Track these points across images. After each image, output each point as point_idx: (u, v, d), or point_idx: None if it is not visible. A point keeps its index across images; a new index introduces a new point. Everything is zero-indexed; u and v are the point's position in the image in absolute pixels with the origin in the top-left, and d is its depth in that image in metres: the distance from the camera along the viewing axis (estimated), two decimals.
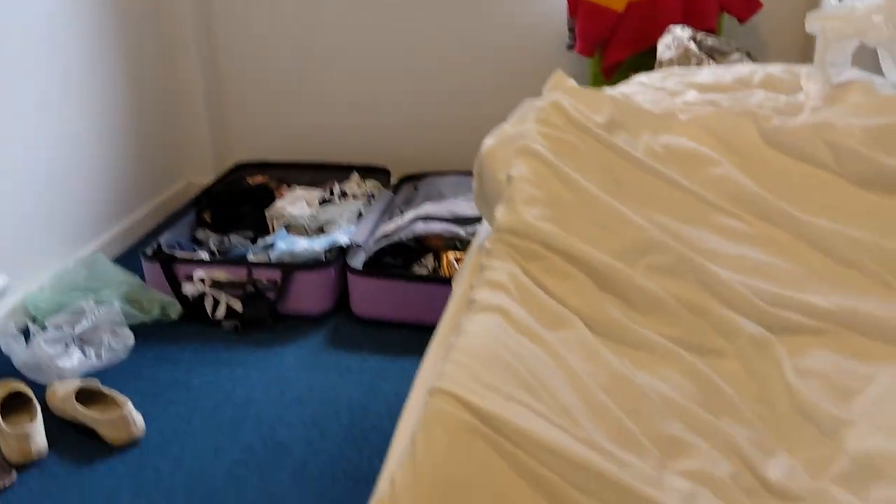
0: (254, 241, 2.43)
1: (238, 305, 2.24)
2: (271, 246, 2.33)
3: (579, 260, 1.12)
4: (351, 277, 2.24)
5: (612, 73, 2.41)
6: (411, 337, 2.22)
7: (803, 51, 2.55)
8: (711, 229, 1.19)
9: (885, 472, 0.85)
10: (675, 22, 2.30)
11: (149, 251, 2.30)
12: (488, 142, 1.43)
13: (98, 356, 2.08)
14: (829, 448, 0.91)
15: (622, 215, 1.18)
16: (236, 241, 2.42)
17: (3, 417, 1.85)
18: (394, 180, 2.77)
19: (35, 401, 1.90)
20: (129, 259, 2.56)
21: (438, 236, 2.27)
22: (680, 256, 1.12)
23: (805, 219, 1.17)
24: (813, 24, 1.57)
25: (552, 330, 1.03)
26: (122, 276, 2.30)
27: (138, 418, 1.86)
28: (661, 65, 2.15)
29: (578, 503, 0.81)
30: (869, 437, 0.88)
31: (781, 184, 1.24)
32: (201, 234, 2.48)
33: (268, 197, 2.58)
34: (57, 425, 1.88)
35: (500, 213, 1.20)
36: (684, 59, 2.19)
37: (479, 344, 0.97)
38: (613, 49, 2.38)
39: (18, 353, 2.03)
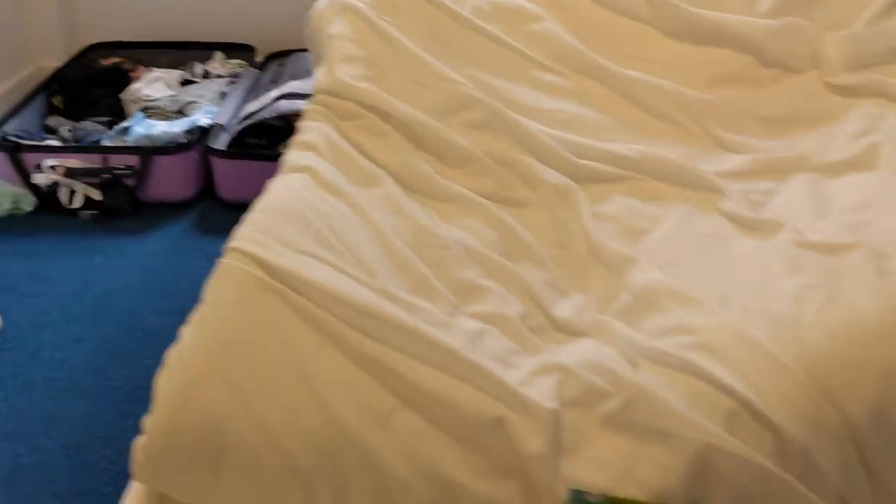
0: (109, 126, 2.31)
1: (96, 194, 2.15)
2: (127, 130, 2.22)
3: (394, 118, 1.11)
4: (214, 160, 2.17)
5: None
6: None
7: None
8: (530, 84, 1.20)
9: (659, 303, 0.91)
10: None
11: None
12: (319, 4, 1.37)
13: None
14: (615, 285, 0.96)
15: (441, 73, 1.16)
16: (91, 126, 2.30)
17: None
18: (259, 58, 2.65)
19: None
20: None
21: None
22: (494, 112, 1.13)
23: (619, 71, 1.19)
24: None
25: (362, 187, 1.03)
26: None
27: None
28: None
29: (366, 347, 0.83)
30: (648, 273, 0.94)
31: (601, 38, 1.25)
32: (52, 120, 2.34)
33: (123, 79, 2.43)
34: None
35: (318, 74, 1.17)
36: None
37: (280, 202, 0.97)
38: None
39: None
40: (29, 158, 2.12)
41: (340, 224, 0.95)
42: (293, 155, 1.06)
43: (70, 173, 2.13)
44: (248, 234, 0.91)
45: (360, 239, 0.94)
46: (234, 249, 0.90)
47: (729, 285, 0.90)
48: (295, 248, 0.90)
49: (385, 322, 0.85)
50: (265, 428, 0.81)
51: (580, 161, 1.09)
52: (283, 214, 0.94)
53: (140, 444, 0.82)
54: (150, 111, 2.33)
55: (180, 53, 2.61)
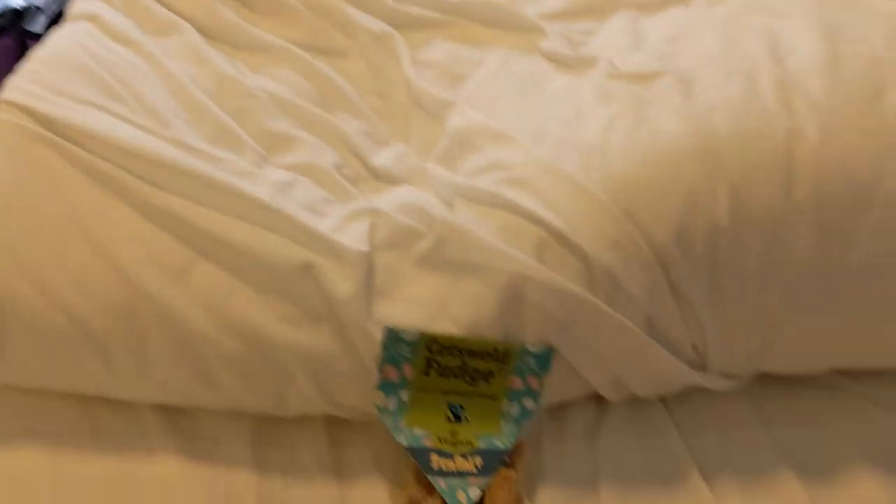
0: None
1: None
2: None
3: None
4: (32, 45, 1.96)
5: None
6: None
7: None
8: None
9: (476, 143, 0.88)
10: None
11: None
12: None
13: None
14: (434, 131, 0.93)
15: None
16: None
17: None
18: None
19: None
20: None
21: None
22: None
23: None
24: None
25: (158, 36, 0.94)
26: None
27: None
28: None
29: (158, 200, 0.77)
30: (466, 115, 0.91)
31: None
32: None
33: None
34: None
35: None
36: None
37: (59, 52, 0.87)
38: None
39: None
40: None
41: (129, 74, 0.86)
42: (77, 4, 0.94)
43: None
44: (19, 85, 0.82)
45: (153, 89, 0.86)
46: (3, 101, 0.80)
47: (543, 120, 0.88)
48: (74, 98, 0.81)
49: (179, 172, 0.78)
50: (49, 292, 0.74)
51: (400, 7, 1.03)
52: (62, 64, 0.84)
53: None
54: None
55: None
